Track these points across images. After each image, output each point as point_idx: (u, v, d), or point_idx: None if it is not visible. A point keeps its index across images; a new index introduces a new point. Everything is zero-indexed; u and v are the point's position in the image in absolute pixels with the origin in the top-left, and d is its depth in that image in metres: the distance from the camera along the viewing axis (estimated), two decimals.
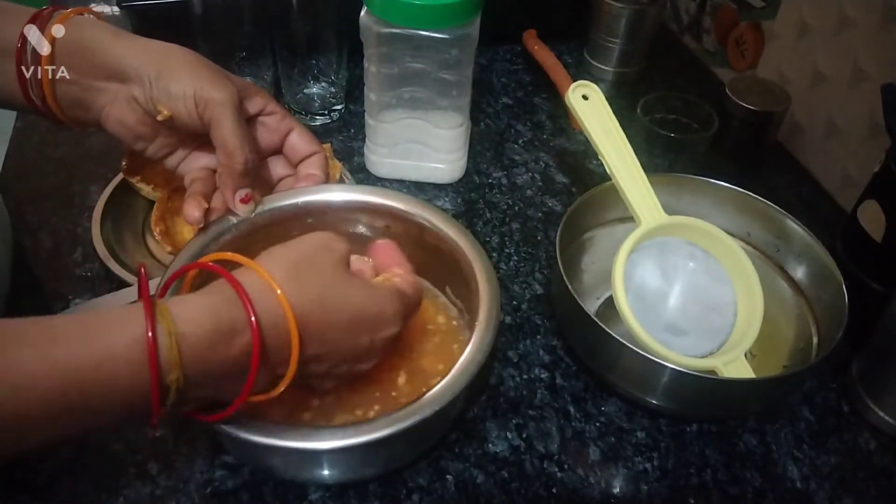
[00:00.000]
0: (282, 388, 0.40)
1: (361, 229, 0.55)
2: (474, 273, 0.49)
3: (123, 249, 0.60)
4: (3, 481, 0.48)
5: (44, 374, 0.32)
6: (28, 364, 0.32)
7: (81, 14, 0.49)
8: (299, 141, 0.54)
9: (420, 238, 0.54)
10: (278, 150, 0.55)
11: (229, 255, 0.41)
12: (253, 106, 0.52)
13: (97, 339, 0.34)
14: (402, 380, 0.50)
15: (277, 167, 0.56)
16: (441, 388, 0.42)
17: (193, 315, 0.36)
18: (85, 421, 0.34)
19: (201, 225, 0.50)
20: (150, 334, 0.34)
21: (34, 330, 0.33)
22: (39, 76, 0.47)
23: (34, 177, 0.71)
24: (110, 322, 0.35)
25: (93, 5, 0.96)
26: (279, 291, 0.38)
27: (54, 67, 0.48)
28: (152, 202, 0.63)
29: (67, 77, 0.48)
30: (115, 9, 0.76)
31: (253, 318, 0.37)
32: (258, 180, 0.53)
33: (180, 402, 0.36)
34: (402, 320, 0.44)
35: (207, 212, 0.50)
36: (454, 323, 0.54)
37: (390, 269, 0.48)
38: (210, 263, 0.41)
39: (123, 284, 0.57)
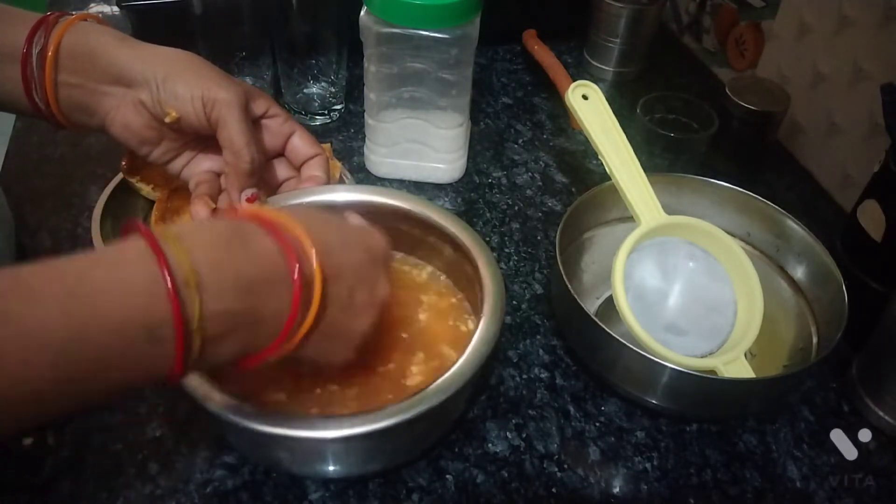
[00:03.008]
0: (315, 307, 0.37)
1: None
2: (479, 270, 0.49)
3: None
4: (3, 481, 0.48)
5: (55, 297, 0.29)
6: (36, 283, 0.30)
7: (86, 20, 0.49)
8: (301, 143, 0.55)
9: (424, 237, 0.54)
10: (280, 153, 0.56)
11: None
12: (257, 108, 0.52)
13: (101, 257, 0.32)
14: (410, 381, 0.50)
15: (280, 169, 0.57)
16: (446, 379, 0.42)
17: (190, 227, 0.36)
18: (101, 355, 0.30)
19: None
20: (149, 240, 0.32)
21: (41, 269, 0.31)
22: (44, 81, 0.48)
23: (34, 177, 0.71)
24: (109, 248, 0.34)
25: (92, 6, 0.96)
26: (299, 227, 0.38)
27: (58, 72, 0.48)
28: (152, 202, 0.63)
29: (72, 82, 0.48)
30: (115, 9, 0.76)
31: (270, 221, 0.36)
32: (262, 182, 0.53)
33: (206, 324, 0.32)
34: (386, 252, 0.44)
35: (214, 212, 0.51)
36: (458, 322, 0.54)
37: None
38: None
39: None
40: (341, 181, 0.65)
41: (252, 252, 0.35)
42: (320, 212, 0.42)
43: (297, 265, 0.36)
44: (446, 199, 0.72)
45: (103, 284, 0.31)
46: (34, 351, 0.28)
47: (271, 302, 0.35)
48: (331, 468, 0.46)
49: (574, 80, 0.59)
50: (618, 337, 0.48)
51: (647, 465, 0.51)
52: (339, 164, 0.68)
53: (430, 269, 0.57)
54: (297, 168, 0.56)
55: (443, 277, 0.56)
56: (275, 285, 0.36)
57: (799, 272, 0.58)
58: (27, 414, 0.30)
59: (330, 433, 0.40)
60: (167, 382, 0.34)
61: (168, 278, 0.31)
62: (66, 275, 0.31)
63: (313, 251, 0.37)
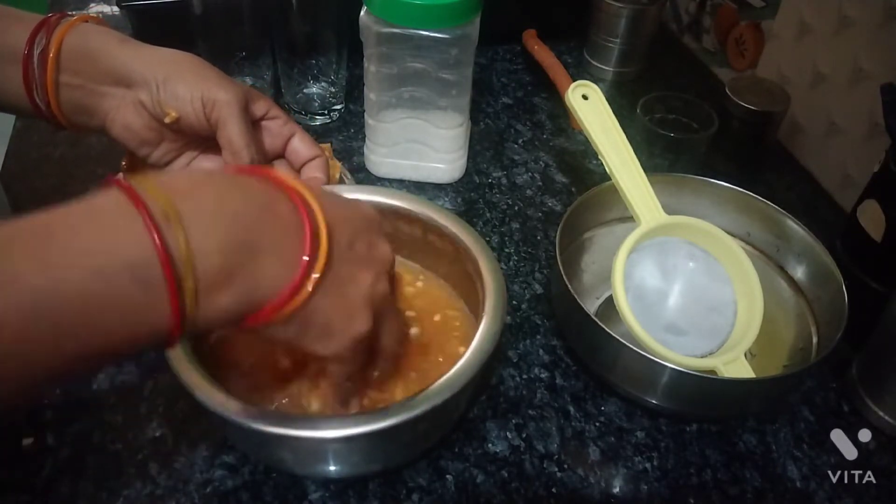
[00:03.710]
0: (324, 246, 0.35)
1: None
2: (479, 268, 0.49)
3: None
4: (3, 481, 0.48)
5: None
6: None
7: (87, 21, 0.50)
8: (301, 145, 0.55)
9: (424, 237, 0.54)
10: (280, 155, 0.56)
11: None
12: (257, 110, 0.53)
13: (71, 207, 0.30)
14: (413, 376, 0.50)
15: (280, 171, 0.56)
16: (448, 378, 0.42)
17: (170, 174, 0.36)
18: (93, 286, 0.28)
19: None
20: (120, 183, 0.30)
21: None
22: (45, 82, 0.48)
23: (34, 177, 0.71)
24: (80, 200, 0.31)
25: (92, 6, 0.96)
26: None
27: (59, 73, 0.48)
28: None
29: (73, 83, 0.48)
30: (115, 9, 0.76)
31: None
32: None
33: (197, 262, 0.30)
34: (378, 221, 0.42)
35: None
36: (462, 322, 0.54)
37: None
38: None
39: None
40: (341, 181, 0.65)
41: (240, 186, 0.33)
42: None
43: (296, 195, 0.34)
44: (446, 199, 0.72)
45: (77, 227, 0.29)
46: (12, 306, 0.27)
47: (271, 235, 0.33)
48: (332, 468, 0.46)
49: (574, 80, 0.59)
50: (618, 337, 0.48)
51: (647, 465, 0.51)
52: (339, 164, 0.68)
53: (428, 271, 0.57)
54: (297, 170, 0.56)
55: (443, 278, 0.56)
56: (273, 217, 0.33)
57: (799, 272, 0.58)
58: (21, 378, 0.28)
59: (331, 433, 0.40)
60: (170, 341, 0.31)
61: (144, 213, 0.29)
62: (35, 225, 0.29)
63: (308, 191, 0.35)
